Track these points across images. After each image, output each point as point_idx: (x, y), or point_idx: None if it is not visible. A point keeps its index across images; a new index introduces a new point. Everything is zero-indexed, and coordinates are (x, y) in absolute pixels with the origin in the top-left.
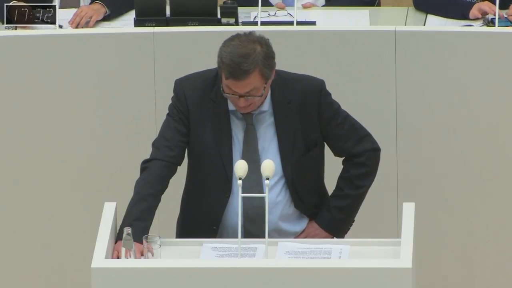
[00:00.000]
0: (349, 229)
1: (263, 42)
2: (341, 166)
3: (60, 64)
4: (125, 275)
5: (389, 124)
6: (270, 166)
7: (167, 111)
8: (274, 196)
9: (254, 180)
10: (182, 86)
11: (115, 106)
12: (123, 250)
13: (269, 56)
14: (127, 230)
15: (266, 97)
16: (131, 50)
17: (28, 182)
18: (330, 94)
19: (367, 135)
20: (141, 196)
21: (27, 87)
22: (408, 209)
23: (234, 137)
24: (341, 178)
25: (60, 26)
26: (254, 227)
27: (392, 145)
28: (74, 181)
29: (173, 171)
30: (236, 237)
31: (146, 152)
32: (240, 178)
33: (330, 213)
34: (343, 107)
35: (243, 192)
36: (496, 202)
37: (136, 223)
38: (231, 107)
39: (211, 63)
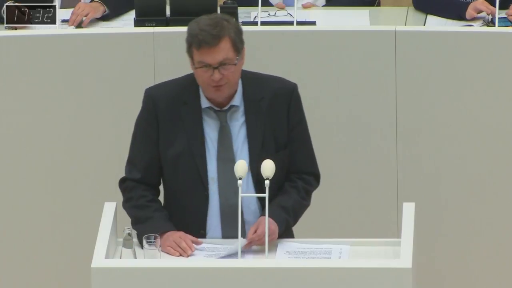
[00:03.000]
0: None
1: (230, 19)
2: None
3: (60, 64)
4: (125, 275)
5: (389, 124)
6: (270, 166)
7: (136, 123)
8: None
9: (230, 179)
10: (151, 94)
11: (115, 106)
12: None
13: (238, 29)
14: (127, 230)
15: (238, 78)
16: (131, 50)
17: (28, 182)
18: (301, 100)
19: (316, 161)
20: (142, 206)
21: (27, 87)
22: (408, 209)
23: (207, 138)
24: (288, 186)
25: (65, 21)
26: (231, 226)
27: (392, 145)
28: (74, 181)
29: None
30: (218, 236)
31: None
32: (240, 178)
33: (280, 210)
34: (343, 107)
35: (220, 192)
36: (496, 202)
37: (157, 214)
38: (204, 105)
39: None
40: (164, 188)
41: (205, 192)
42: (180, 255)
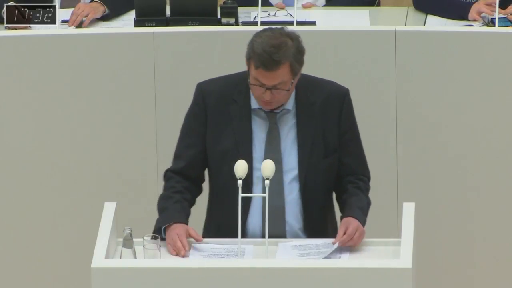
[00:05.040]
0: None
1: (294, 37)
2: None
3: (60, 64)
4: (125, 275)
5: (389, 124)
6: (270, 166)
7: (185, 117)
8: (289, 197)
9: (275, 180)
10: (201, 89)
11: (115, 106)
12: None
13: (300, 51)
14: (127, 230)
15: (291, 94)
16: (131, 50)
17: (27, 182)
18: (352, 105)
19: (368, 165)
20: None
21: (27, 87)
22: (408, 209)
23: (254, 137)
24: (352, 188)
25: (65, 21)
26: (272, 227)
27: (392, 145)
28: (73, 181)
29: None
30: (257, 237)
31: (146, 152)
32: (240, 178)
33: (359, 211)
34: None
35: (262, 191)
36: (496, 202)
37: (174, 205)
38: (254, 105)
39: (211, 63)
40: (209, 185)
41: (249, 191)
42: (177, 254)
